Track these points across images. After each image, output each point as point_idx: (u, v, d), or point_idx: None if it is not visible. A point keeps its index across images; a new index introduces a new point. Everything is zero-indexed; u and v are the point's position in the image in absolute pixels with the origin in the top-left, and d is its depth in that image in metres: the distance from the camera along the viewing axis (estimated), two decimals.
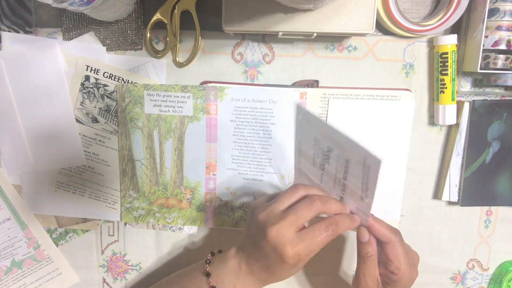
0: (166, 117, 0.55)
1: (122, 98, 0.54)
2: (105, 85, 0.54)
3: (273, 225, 0.40)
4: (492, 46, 0.49)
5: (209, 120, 0.54)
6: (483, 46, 0.49)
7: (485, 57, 0.50)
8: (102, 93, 0.55)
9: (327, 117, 0.54)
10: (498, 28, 0.49)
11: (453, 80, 0.52)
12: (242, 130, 0.55)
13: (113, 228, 0.59)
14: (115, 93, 0.54)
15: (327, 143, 0.40)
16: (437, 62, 0.52)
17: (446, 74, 0.52)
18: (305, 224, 0.42)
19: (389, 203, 0.56)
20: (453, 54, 0.51)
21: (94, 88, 0.54)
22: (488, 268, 0.60)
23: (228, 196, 0.57)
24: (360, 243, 0.44)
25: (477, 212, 0.59)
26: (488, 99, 0.54)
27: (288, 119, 0.54)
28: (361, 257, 0.45)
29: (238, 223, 0.57)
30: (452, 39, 0.51)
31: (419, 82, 0.55)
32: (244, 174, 0.56)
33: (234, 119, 0.54)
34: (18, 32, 0.53)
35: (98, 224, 0.59)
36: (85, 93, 0.54)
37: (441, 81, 0.52)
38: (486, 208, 0.58)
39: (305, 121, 0.41)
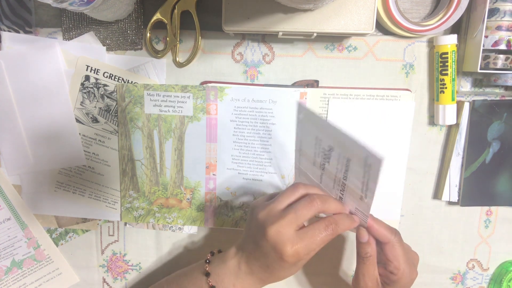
0: (166, 117, 0.55)
1: (122, 98, 0.54)
2: (105, 85, 0.54)
3: (272, 224, 0.40)
4: (492, 46, 0.49)
5: (209, 120, 0.54)
6: (483, 46, 0.49)
7: (485, 57, 0.50)
8: (102, 93, 0.55)
9: (327, 117, 0.54)
10: (498, 28, 0.49)
11: (453, 80, 0.52)
12: (242, 130, 0.55)
13: (113, 228, 0.59)
14: (115, 93, 0.54)
15: (328, 142, 0.40)
16: (437, 62, 0.52)
17: (446, 74, 0.52)
18: (305, 223, 0.42)
19: (389, 203, 0.56)
20: (453, 54, 0.51)
21: (94, 88, 0.54)
22: (488, 268, 0.60)
23: (228, 196, 0.57)
24: (359, 243, 0.44)
25: (477, 212, 0.59)
26: (488, 99, 0.54)
27: (288, 119, 0.54)
28: (361, 258, 0.45)
29: (238, 223, 0.57)
30: (452, 39, 0.51)
31: (419, 82, 0.55)
32: (244, 174, 0.56)
33: (234, 119, 0.54)
34: (18, 32, 0.53)
35: (98, 224, 0.59)
36: (85, 93, 0.55)
37: (441, 81, 0.52)
38: (486, 208, 0.58)
39: (307, 119, 0.41)
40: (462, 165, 0.56)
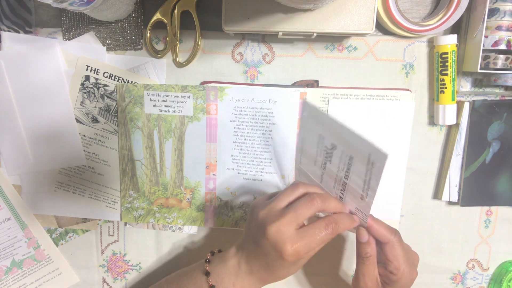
0: (166, 117, 0.55)
1: (122, 98, 0.54)
2: (105, 85, 0.54)
3: (273, 223, 0.40)
4: (492, 46, 0.49)
5: (209, 120, 0.54)
6: (483, 46, 0.49)
7: (485, 57, 0.50)
8: (102, 93, 0.55)
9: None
10: (498, 28, 0.49)
11: (453, 80, 0.52)
12: (242, 130, 0.55)
13: (113, 228, 0.59)
14: (115, 93, 0.54)
15: (331, 140, 0.40)
16: (437, 62, 0.52)
17: (446, 74, 0.52)
18: (305, 222, 0.42)
19: (389, 203, 0.56)
20: (453, 54, 0.51)
21: (94, 88, 0.54)
22: (488, 268, 0.60)
23: (228, 196, 0.57)
24: (359, 243, 0.44)
25: (477, 212, 0.59)
26: (488, 99, 0.54)
27: (288, 119, 0.54)
28: (361, 258, 0.45)
29: (238, 223, 0.57)
30: (452, 39, 0.51)
31: (419, 82, 0.55)
32: (244, 174, 0.56)
33: (234, 119, 0.54)
34: (18, 32, 0.53)
35: (98, 224, 0.59)
36: (85, 93, 0.55)
37: (441, 81, 0.52)
38: (486, 208, 0.58)
39: (311, 117, 0.42)
40: (462, 165, 0.56)
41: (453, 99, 0.53)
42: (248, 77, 0.55)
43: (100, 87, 0.54)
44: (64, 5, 0.41)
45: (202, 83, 0.55)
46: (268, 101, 0.53)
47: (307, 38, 0.52)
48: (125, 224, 0.59)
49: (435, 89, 0.54)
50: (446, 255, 0.60)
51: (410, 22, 0.51)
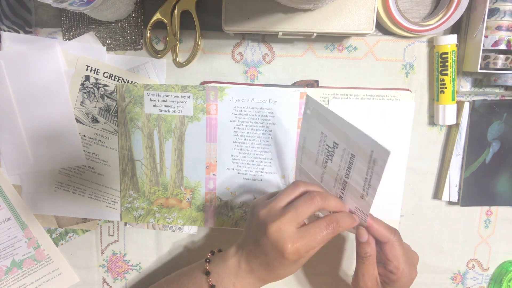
0: (166, 117, 0.55)
1: (122, 98, 0.54)
2: (105, 85, 0.54)
3: (273, 222, 0.40)
4: (492, 46, 0.49)
5: (209, 120, 0.54)
6: (483, 46, 0.49)
7: (485, 57, 0.50)
8: (102, 93, 0.55)
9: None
10: (498, 28, 0.49)
11: (453, 80, 0.52)
12: (242, 130, 0.55)
13: (113, 228, 0.59)
14: (115, 93, 0.54)
15: (333, 138, 0.40)
16: (437, 62, 0.52)
17: (446, 74, 0.52)
18: (305, 221, 0.42)
19: (389, 203, 0.56)
20: (453, 54, 0.51)
21: (94, 88, 0.54)
22: (488, 268, 0.60)
23: (228, 196, 0.57)
24: (359, 243, 0.44)
25: (477, 212, 0.59)
26: (488, 99, 0.54)
27: (288, 119, 0.54)
28: (360, 257, 0.45)
29: (238, 223, 0.57)
30: (452, 39, 0.51)
31: (419, 82, 0.55)
32: (244, 174, 0.56)
33: (234, 119, 0.54)
34: (18, 32, 0.53)
35: (98, 224, 0.59)
36: (85, 93, 0.55)
37: (441, 81, 0.52)
38: (486, 208, 0.58)
39: (314, 114, 0.42)
40: (462, 165, 0.56)
41: (453, 99, 0.53)
42: (248, 77, 0.55)
43: (100, 87, 0.54)
44: (64, 5, 0.41)
45: (202, 83, 0.55)
46: (268, 101, 0.53)
47: (307, 38, 0.52)
48: (125, 224, 0.59)
49: (435, 89, 0.54)
50: (446, 255, 0.60)
51: (410, 22, 0.51)
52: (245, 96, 0.53)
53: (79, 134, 0.55)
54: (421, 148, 0.56)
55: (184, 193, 0.57)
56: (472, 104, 0.54)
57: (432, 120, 0.56)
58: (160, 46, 0.54)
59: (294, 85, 0.55)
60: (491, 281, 0.61)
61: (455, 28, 0.53)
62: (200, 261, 0.48)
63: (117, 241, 0.59)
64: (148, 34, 0.53)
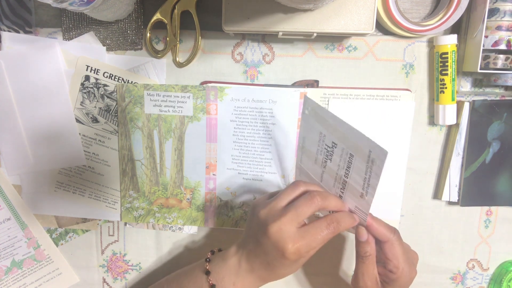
0: (166, 117, 0.55)
1: (122, 98, 0.54)
2: (105, 85, 0.54)
3: (274, 222, 0.40)
4: (492, 46, 0.49)
5: (209, 120, 0.54)
6: (483, 46, 0.49)
7: (485, 57, 0.50)
8: (102, 93, 0.55)
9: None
10: (498, 28, 0.49)
11: (453, 80, 0.52)
12: (242, 130, 0.55)
13: (113, 228, 0.59)
14: (115, 93, 0.54)
15: (332, 138, 0.40)
16: (437, 62, 0.52)
17: (446, 74, 0.52)
18: (305, 221, 0.42)
19: (389, 203, 0.56)
20: (453, 54, 0.51)
21: (94, 88, 0.54)
22: (488, 268, 0.60)
23: (228, 196, 0.57)
24: (358, 242, 0.44)
25: (477, 212, 0.59)
26: (488, 99, 0.54)
27: (288, 119, 0.54)
28: (360, 257, 0.45)
29: (238, 223, 0.57)
30: (452, 39, 0.51)
31: (419, 82, 0.55)
32: (244, 174, 0.56)
33: (234, 119, 0.54)
34: (18, 32, 0.53)
35: (98, 224, 0.59)
36: (85, 93, 0.55)
37: (441, 81, 0.52)
38: (486, 208, 0.58)
39: (312, 114, 0.42)
40: (462, 165, 0.56)
41: (453, 99, 0.53)
42: (248, 77, 0.55)
43: (100, 87, 0.54)
44: (64, 5, 0.41)
45: (202, 83, 0.55)
46: (268, 101, 0.53)
47: (307, 38, 0.52)
48: (125, 224, 0.59)
49: (435, 89, 0.54)
50: (446, 255, 0.60)
51: (410, 22, 0.51)
52: (245, 96, 0.53)
53: (79, 134, 0.55)
54: (421, 148, 0.56)
55: (184, 193, 0.57)
56: (472, 104, 0.54)
57: (432, 120, 0.56)
58: (160, 46, 0.55)
59: (294, 85, 0.55)
60: (491, 281, 0.61)
61: (455, 28, 0.53)
62: (200, 261, 0.48)
63: (117, 241, 0.59)
64: (148, 34, 0.53)
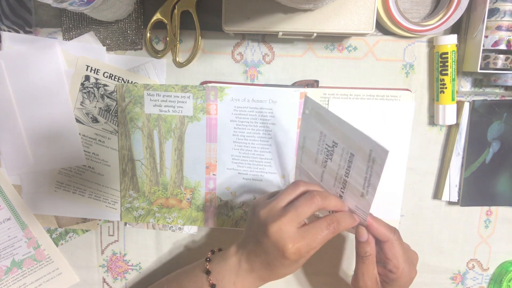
0: (166, 117, 0.55)
1: (122, 98, 0.54)
2: (105, 85, 0.54)
3: (274, 222, 0.40)
4: (492, 46, 0.49)
5: (209, 120, 0.54)
6: (483, 46, 0.49)
7: (485, 57, 0.50)
8: (102, 93, 0.55)
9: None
10: (498, 28, 0.49)
11: (453, 80, 0.52)
12: (242, 130, 0.55)
13: (113, 228, 0.59)
14: (115, 93, 0.54)
15: (332, 137, 0.40)
16: (437, 62, 0.52)
17: (446, 74, 0.52)
18: (306, 221, 0.42)
19: (389, 203, 0.56)
20: (453, 54, 0.51)
21: (94, 88, 0.54)
22: (488, 268, 0.60)
23: (228, 196, 0.57)
24: (358, 242, 0.44)
25: (477, 212, 0.59)
26: (488, 99, 0.54)
27: (288, 119, 0.54)
28: (360, 257, 0.45)
29: (238, 223, 0.57)
30: (452, 39, 0.51)
31: (419, 82, 0.55)
32: (244, 174, 0.56)
33: (234, 119, 0.54)
34: (18, 32, 0.53)
35: (98, 224, 0.59)
36: (85, 93, 0.55)
37: (441, 81, 0.52)
38: (486, 208, 0.58)
39: (313, 114, 0.42)
40: (462, 165, 0.56)
41: (453, 99, 0.53)
42: (248, 77, 0.55)
43: (100, 87, 0.54)
44: (64, 5, 0.41)
45: (202, 83, 0.55)
46: (268, 101, 0.53)
47: (307, 38, 0.52)
48: (125, 224, 0.59)
49: (435, 89, 0.54)
50: (446, 255, 0.60)
51: (410, 22, 0.51)
52: (245, 96, 0.53)
53: (79, 134, 0.55)
54: (421, 148, 0.56)
55: (184, 193, 0.57)
56: (472, 104, 0.54)
57: (432, 120, 0.56)
58: (160, 46, 0.55)
59: (294, 85, 0.55)
60: (491, 281, 0.61)
61: (455, 28, 0.53)
62: (201, 260, 0.48)
63: (117, 241, 0.59)
64: (148, 34, 0.53)
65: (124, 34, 0.54)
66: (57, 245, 0.59)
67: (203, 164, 0.56)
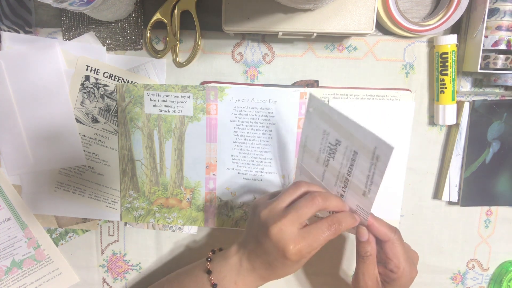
0: (166, 117, 0.55)
1: (122, 98, 0.54)
2: (105, 85, 0.54)
3: (275, 223, 0.40)
4: (492, 46, 0.49)
5: (209, 120, 0.54)
6: (483, 46, 0.49)
7: (485, 57, 0.50)
8: (102, 93, 0.55)
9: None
10: (498, 28, 0.49)
11: (453, 80, 0.52)
12: (242, 130, 0.55)
13: (113, 228, 0.59)
14: (115, 93, 0.54)
15: (336, 135, 0.40)
16: (437, 62, 0.52)
17: (446, 74, 0.52)
18: (307, 222, 0.42)
19: (389, 203, 0.56)
20: (453, 54, 0.51)
21: (94, 88, 0.54)
22: (488, 268, 0.60)
23: (228, 196, 0.57)
24: (359, 242, 0.44)
25: (477, 212, 0.59)
26: (488, 99, 0.54)
27: (288, 119, 0.54)
28: (361, 257, 0.45)
29: (238, 223, 0.57)
30: (452, 39, 0.51)
31: (419, 82, 0.55)
32: (244, 174, 0.56)
33: (234, 119, 0.54)
34: (18, 32, 0.53)
35: (98, 224, 0.59)
36: (85, 93, 0.55)
37: (441, 81, 0.52)
38: (486, 208, 0.58)
39: (317, 112, 0.42)
40: (462, 165, 0.56)
41: (453, 99, 0.53)
42: (248, 77, 0.55)
43: (100, 87, 0.54)
44: (64, 5, 0.41)
45: (202, 83, 0.55)
46: (268, 101, 0.53)
47: (307, 38, 0.52)
48: (125, 224, 0.59)
49: (435, 89, 0.54)
50: (446, 255, 0.60)
51: (410, 22, 0.51)
52: (245, 96, 0.53)
53: (79, 134, 0.55)
54: (421, 148, 0.56)
55: (184, 193, 0.57)
56: (472, 104, 0.54)
57: (432, 120, 0.56)
58: (160, 46, 0.55)
59: (294, 85, 0.55)
60: (491, 281, 0.61)
61: (455, 28, 0.53)
62: (201, 260, 0.48)
63: (117, 241, 0.59)
64: (148, 34, 0.53)
65: (124, 34, 0.54)
66: (57, 245, 0.59)
67: (203, 164, 0.56)
